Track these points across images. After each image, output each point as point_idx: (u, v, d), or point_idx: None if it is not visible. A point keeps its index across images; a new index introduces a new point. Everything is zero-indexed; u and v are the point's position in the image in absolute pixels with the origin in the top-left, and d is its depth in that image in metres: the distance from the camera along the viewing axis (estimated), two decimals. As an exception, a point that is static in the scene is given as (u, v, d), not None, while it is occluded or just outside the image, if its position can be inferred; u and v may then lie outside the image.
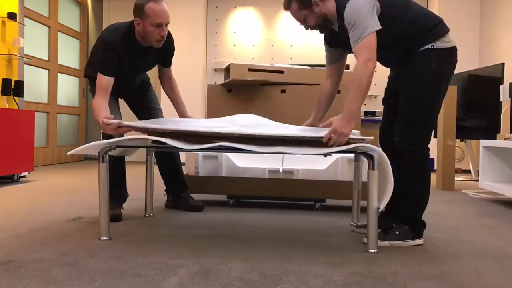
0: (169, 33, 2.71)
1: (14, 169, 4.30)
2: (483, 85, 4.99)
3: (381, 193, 2.19)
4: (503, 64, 4.68)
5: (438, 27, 2.18)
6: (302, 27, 2.37)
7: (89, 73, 2.84)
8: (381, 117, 6.82)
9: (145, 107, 3.00)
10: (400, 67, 2.27)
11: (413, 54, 2.19)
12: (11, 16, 5.18)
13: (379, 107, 6.85)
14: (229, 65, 3.40)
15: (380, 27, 2.10)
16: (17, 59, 5.43)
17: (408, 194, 2.24)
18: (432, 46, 2.15)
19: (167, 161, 3.06)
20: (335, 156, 3.15)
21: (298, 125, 3.36)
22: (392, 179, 2.03)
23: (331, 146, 2.05)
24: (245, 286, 1.61)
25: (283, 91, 3.44)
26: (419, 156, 2.21)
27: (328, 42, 2.43)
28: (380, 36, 2.11)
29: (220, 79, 7.05)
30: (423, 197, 2.24)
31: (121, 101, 2.99)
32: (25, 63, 5.75)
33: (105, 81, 2.57)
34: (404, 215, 2.26)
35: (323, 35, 2.45)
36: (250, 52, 7.12)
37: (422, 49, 2.17)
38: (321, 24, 2.28)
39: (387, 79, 2.48)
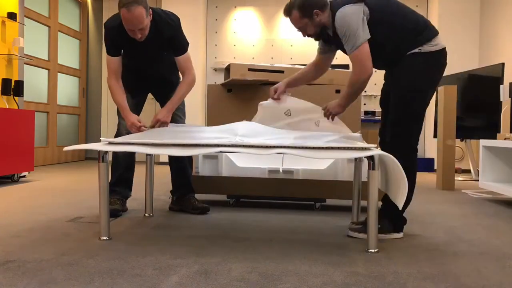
0: (162, 20, 2.65)
1: (14, 169, 4.30)
2: (483, 85, 4.99)
3: (391, 191, 2.19)
4: (503, 64, 4.67)
5: (426, 31, 2.23)
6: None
7: None
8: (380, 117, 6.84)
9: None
10: (390, 69, 2.33)
11: (402, 58, 2.24)
12: (11, 16, 5.18)
13: (378, 107, 6.84)
14: (229, 65, 3.40)
15: (369, 36, 2.18)
16: (17, 59, 5.43)
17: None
18: (419, 50, 2.21)
19: (178, 159, 3.01)
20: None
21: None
22: (405, 178, 2.00)
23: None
24: (245, 286, 1.61)
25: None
26: (405, 159, 2.20)
27: (323, 40, 2.50)
28: (369, 39, 2.20)
29: (220, 79, 7.05)
30: (407, 198, 2.26)
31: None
32: (25, 63, 5.75)
33: (110, 62, 2.72)
34: (386, 210, 2.34)
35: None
36: (250, 52, 7.12)
37: (410, 52, 2.22)
38: (319, 32, 2.36)
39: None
